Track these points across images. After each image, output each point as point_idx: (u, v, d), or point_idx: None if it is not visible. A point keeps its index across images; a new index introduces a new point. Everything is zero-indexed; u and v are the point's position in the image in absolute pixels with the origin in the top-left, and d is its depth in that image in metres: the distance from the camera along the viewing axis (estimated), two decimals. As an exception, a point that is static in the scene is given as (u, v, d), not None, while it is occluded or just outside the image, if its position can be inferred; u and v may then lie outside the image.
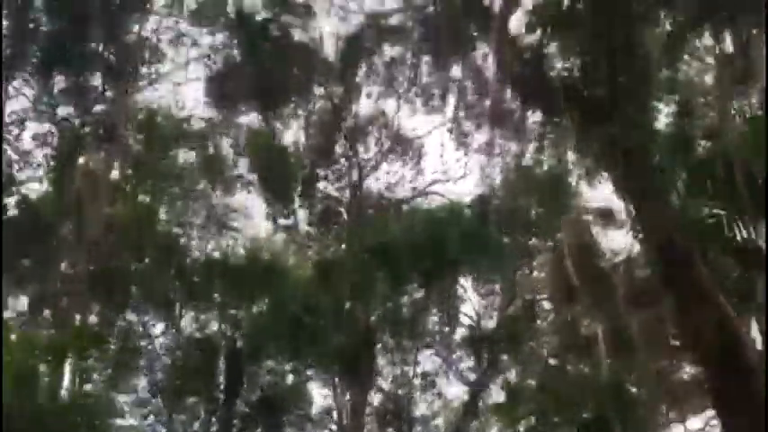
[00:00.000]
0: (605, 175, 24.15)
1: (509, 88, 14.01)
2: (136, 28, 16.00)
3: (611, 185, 25.07)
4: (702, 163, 12.61)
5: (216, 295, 25.96)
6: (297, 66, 18.58)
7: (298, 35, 19.29)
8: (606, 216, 26.81)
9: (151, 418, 25.69)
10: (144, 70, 16.51)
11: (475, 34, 18.15)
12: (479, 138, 21.54)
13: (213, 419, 25.86)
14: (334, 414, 28.31)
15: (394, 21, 19.88)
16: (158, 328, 24.46)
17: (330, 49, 19.76)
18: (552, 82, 11.35)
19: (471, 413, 28.33)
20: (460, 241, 22.47)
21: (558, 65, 11.84)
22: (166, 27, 16.86)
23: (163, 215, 21.72)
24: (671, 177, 11.38)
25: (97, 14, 14.21)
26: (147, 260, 23.12)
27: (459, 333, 29.26)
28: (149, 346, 25.40)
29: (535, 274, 28.43)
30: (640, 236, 12.70)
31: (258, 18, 18.25)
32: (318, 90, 20.12)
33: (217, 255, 26.32)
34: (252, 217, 24.00)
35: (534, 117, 20.20)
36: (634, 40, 11.02)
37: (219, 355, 26.46)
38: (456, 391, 31.57)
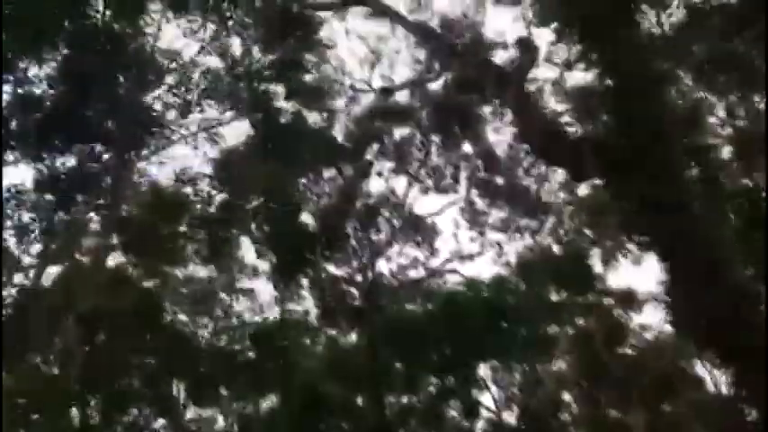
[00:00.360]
0: (626, 253, 23.69)
1: (530, 153, 13.50)
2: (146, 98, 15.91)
3: (631, 266, 24.66)
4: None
5: (222, 389, 24.71)
6: (308, 149, 18.29)
7: (311, 117, 19.18)
8: (629, 299, 25.83)
9: None
10: (152, 142, 16.24)
11: (486, 110, 18.05)
12: (493, 215, 20.96)
13: None
14: None
15: (402, 98, 19.87)
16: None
17: (340, 130, 19.66)
18: (578, 141, 10.88)
19: None
20: (480, 325, 21.46)
21: (582, 126, 11.44)
22: (175, 100, 16.73)
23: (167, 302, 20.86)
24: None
25: (104, 88, 14.13)
26: (149, 353, 22.04)
27: (480, 427, 27.75)
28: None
29: (557, 364, 27.20)
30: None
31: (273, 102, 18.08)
32: (329, 171, 19.80)
33: (223, 343, 25.33)
34: (259, 301, 23.20)
35: (552, 187, 19.97)
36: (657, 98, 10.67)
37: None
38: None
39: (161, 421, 23.38)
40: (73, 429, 17.16)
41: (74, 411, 18.44)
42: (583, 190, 18.39)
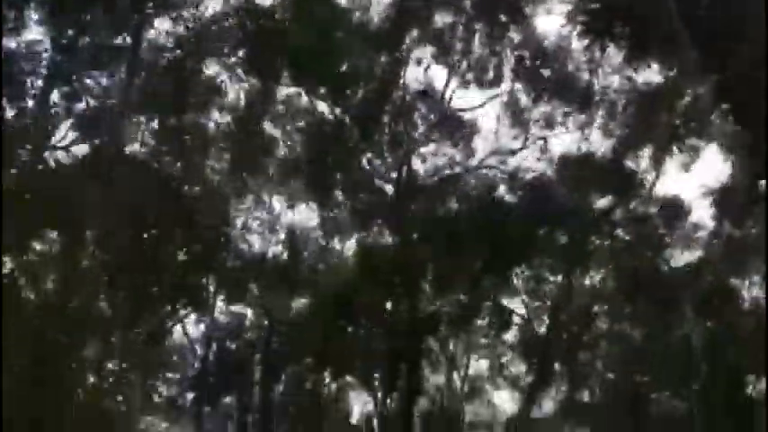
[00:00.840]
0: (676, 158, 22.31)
1: (585, 33, 12.14)
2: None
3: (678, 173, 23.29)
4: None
5: (254, 287, 24.59)
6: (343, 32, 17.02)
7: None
8: (675, 209, 24.63)
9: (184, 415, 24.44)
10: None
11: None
12: (539, 110, 19.62)
13: (249, 419, 24.39)
14: (375, 422, 26.51)
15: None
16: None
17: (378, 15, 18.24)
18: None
19: (522, 423, 26.14)
20: (517, 229, 20.62)
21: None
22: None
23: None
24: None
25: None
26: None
27: (510, 335, 27.41)
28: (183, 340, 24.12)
29: (593, 275, 26.43)
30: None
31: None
32: (365, 60, 18.46)
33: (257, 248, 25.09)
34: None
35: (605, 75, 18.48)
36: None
37: (255, 351, 25.10)
38: (506, 399, 29.56)
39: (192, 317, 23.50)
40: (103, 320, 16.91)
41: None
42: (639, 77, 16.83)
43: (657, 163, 22.00)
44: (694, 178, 23.66)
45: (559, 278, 25.57)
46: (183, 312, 22.17)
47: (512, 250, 21.13)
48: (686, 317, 23.48)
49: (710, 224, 23.30)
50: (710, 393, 21.40)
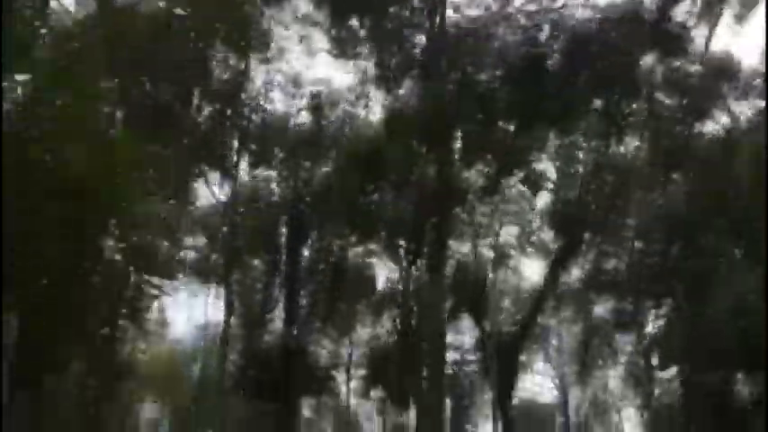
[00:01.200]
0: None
1: None
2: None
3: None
4: None
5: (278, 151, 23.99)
6: None
7: None
8: (725, 67, 23.02)
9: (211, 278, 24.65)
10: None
11: None
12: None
13: (277, 282, 24.58)
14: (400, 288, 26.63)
15: None
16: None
17: None
18: None
19: (550, 289, 26.08)
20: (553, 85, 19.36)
21: None
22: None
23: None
24: None
25: None
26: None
27: (540, 202, 26.79)
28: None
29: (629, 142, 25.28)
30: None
31: None
32: None
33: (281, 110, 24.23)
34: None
35: None
36: None
37: (281, 214, 24.89)
38: (533, 268, 29.41)
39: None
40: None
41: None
42: None
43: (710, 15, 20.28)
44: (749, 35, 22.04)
45: (593, 144, 24.62)
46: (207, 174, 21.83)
47: (547, 112, 20.06)
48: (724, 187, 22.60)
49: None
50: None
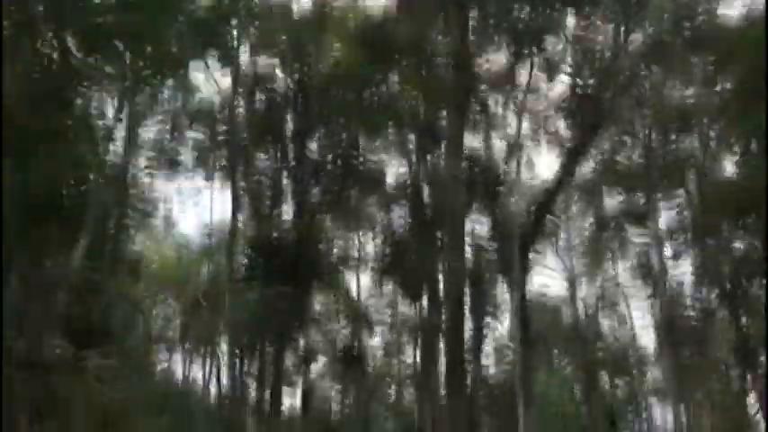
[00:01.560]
0: None
1: None
2: None
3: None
4: None
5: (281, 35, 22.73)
6: None
7: None
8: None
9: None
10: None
11: None
12: None
13: (285, 175, 23.96)
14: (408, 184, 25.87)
15: None
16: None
17: None
18: None
19: (564, 181, 25.36)
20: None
21: None
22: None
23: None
24: None
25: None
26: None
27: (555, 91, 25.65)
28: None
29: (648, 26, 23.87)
30: None
31: None
32: None
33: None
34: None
35: None
36: None
37: (286, 106, 23.95)
38: (547, 160, 28.48)
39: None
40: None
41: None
42: None
43: None
44: None
45: (612, 27, 23.27)
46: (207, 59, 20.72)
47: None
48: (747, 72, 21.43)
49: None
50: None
